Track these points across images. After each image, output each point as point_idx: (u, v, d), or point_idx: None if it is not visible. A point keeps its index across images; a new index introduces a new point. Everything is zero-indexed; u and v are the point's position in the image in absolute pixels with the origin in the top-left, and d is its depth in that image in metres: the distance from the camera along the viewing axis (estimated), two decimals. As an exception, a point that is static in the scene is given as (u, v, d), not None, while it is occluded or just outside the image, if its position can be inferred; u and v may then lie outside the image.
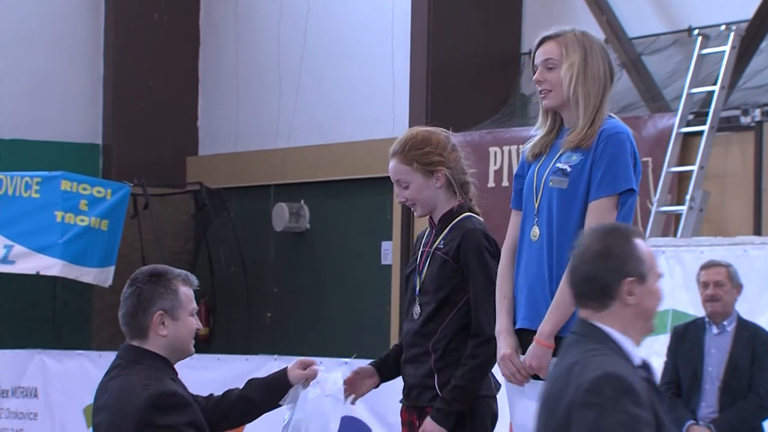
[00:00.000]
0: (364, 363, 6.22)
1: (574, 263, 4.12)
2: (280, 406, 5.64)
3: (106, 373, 5.33)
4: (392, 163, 5.89)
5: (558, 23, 5.97)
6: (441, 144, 5.90)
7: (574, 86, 5.32)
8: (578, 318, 4.09)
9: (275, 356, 13.44)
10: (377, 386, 6.02)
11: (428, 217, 5.92)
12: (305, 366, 5.64)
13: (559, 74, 5.36)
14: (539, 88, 5.43)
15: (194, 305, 5.32)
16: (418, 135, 5.95)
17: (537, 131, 5.54)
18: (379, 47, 16.72)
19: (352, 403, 5.86)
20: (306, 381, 5.60)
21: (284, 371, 5.64)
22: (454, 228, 5.73)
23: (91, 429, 13.97)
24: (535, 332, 5.18)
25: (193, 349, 5.37)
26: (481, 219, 5.88)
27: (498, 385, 5.72)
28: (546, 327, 5.15)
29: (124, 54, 18.74)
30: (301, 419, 5.55)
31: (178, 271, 5.35)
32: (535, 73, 5.50)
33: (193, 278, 5.36)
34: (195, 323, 5.31)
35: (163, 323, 5.21)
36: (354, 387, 5.90)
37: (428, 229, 5.91)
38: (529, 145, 5.54)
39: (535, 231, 5.34)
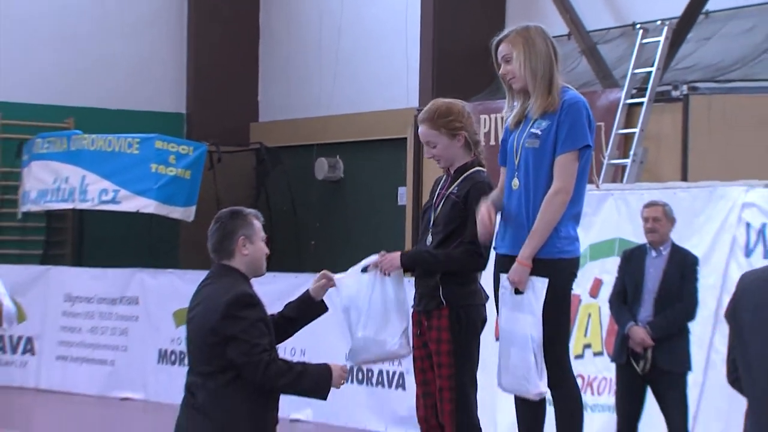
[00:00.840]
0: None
1: None
2: (315, 318, 5.69)
3: (201, 283, 5.43)
4: (423, 129, 5.85)
5: (531, 20, 5.96)
6: (461, 112, 5.89)
7: (524, 69, 5.33)
8: None
9: (317, 274, 13.47)
10: None
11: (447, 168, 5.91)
12: (324, 277, 5.69)
13: (517, 63, 5.35)
14: (507, 78, 5.41)
15: (264, 234, 5.47)
16: (443, 106, 5.91)
17: (508, 109, 5.53)
18: (395, 39, 16.74)
19: (387, 274, 5.85)
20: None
21: (307, 290, 5.70)
22: (466, 178, 5.72)
23: (179, 328, 14.11)
24: (516, 257, 5.19)
25: (265, 269, 5.49)
26: (485, 171, 5.87)
27: (486, 296, 5.72)
28: (525, 251, 5.17)
29: (202, 44, 18.83)
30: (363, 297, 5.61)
31: (251, 209, 5.51)
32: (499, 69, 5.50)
33: (260, 215, 5.52)
34: (265, 248, 5.46)
35: (245, 245, 5.33)
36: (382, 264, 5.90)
37: (444, 176, 5.89)
38: (510, 117, 5.53)
39: (516, 182, 5.35)
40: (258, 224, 5.46)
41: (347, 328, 5.89)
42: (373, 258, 5.83)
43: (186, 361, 14.95)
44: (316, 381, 5.28)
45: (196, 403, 5.23)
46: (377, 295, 5.75)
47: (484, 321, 5.69)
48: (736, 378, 4.84)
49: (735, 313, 4.60)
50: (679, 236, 8.97)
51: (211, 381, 5.18)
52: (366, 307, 5.72)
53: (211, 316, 5.17)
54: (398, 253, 5.80)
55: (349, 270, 5.87)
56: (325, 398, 5.35)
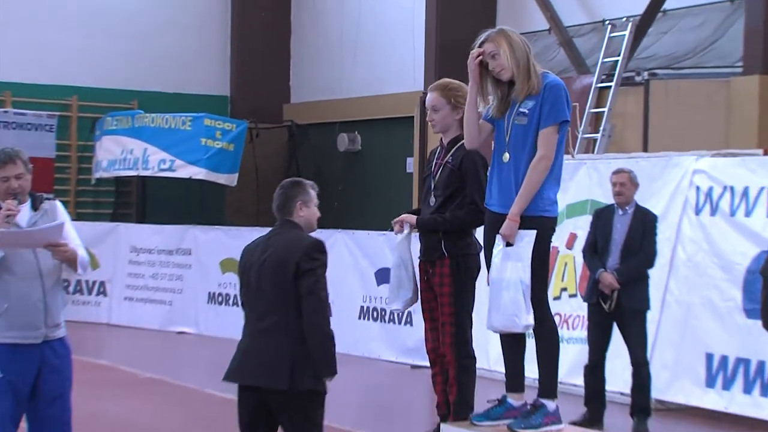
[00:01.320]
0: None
1: None
2: None
3: (270, 233, 5.42)
4: (433, 95, 5.72)
5: (518, 18, 5.87)
6: (466, 92, 5.78)
7: (510, 60, 5.20)
8: None
9: (339, 230, 13.49)
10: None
11: (440, 139, 5.80)
12: None
13: (501, 59, 5.24)
14: (496, 71, 5.28)
15: (317, 201, 5.48)
16: (455, 82, 5.80)
17: (484, 101, 5.38)
18: (404, 34, 16.67)
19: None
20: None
21: None
22: (459, 148, 5.62)
23: (225, 274, 14.14)
24: (506, 215, 5.14)
25: (316, 227, 5.46)
26: None
27: (480, 247, 5.66)
28: (514, 209, 5.10)
29: (243, 39, 18.82)
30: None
31: (308, 181, 5.54)
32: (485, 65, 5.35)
33: (316, 185, 5.54)
34: (317, 212, 5.47)
35: (301, 209, 5.35)
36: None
37: (439, 148, 5.80)
38: (491, 108, 5.36)
39: (506, 156, 5.25)
40: (313, 192, 5.49)
41: (399, 281, 5.76)
42: (406, 230, 5.70)
43: (233, 301, 14.93)
44: (335, 358, 5.09)
45: (264, 327, 5.15)
46: (411, 256, 5.75)
47: (478, 268, 5.65)
48: None
49: None
50: (641, 197, 8.93)
51: (282, 309, 5.12)
52: (410, 265, 5.67)
53: (293, 255, 5.16)
54: (414, 218, 5.74)
55: (399, 237, 5.75)
56: (330, 376, 5.06)
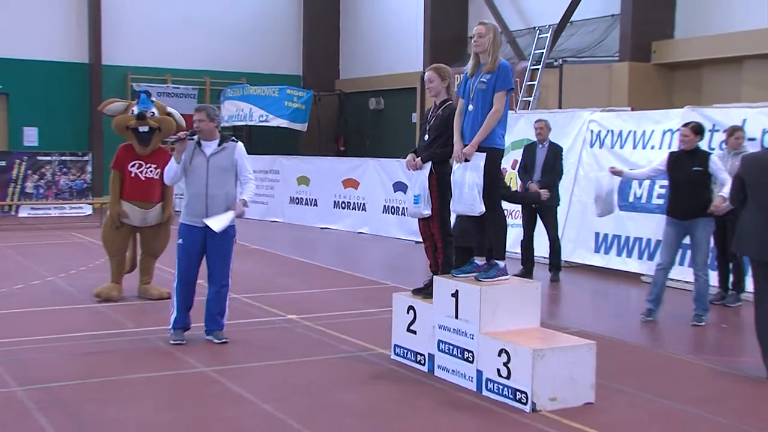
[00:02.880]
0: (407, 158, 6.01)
1: None
2: None
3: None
4: (431, 73, 5.47)
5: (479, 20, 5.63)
6: (451, 73, 5.55)
7: (489, 45, 5.02)
8: None
9: (371, 158, 13.40)
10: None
11: (433, 102, 5.63)
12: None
13: (485, 39, 5.06)
14: (476, 44, 5.07)
15: None
16: (442, 65, 5.56)
17: (469, 63, 5.20)
18: (411, 31, 16.31)
19: (421, 168, 5.51)
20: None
21: None
22: (446, 107, 5.46)
23: (299, 186, 14.13)
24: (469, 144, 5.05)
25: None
26: (454, 103, 5.60)
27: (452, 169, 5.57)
28: (474, 140, 4.98)
29: (310, 38, 18.49)
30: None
31: None
32: (472, 38, 5.16)
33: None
34: None
35: None
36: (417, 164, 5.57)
37: (433, 106, 5.62)
38: (468, 70, 5.21)
39: (471, 107, 5.12)
40: None
41: (425, 198, 5.51)
42: (421, 169, 5.45)
43: (305, 202, 14.83)
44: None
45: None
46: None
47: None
48: (740, 199, 5.01)
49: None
50: (557, 137, 8.83)
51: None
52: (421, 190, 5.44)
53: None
54: (419, 157, 5.54)
55: (416, 174, 5.44)
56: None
